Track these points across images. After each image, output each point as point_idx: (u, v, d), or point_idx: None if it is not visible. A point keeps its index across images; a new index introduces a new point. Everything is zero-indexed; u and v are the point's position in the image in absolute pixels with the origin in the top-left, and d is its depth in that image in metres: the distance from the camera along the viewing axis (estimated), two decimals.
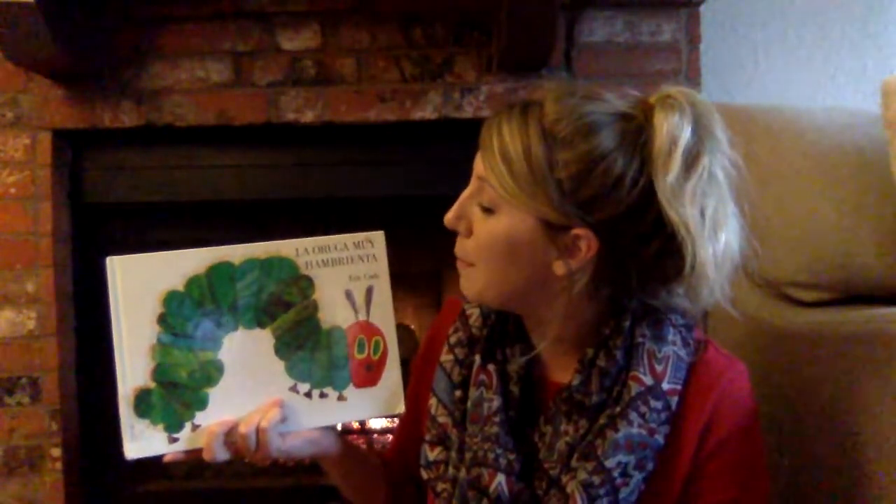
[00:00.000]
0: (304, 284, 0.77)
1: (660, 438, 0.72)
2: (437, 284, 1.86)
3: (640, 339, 0.74)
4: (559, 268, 0.72)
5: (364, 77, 1.41)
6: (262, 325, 0.76)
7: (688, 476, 0.73)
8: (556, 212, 0.69)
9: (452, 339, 0.85)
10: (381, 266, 0.79)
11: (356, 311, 0.79)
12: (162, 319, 0.73)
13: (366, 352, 0.80)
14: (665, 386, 0.72)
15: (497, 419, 0.77)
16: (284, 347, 0.77)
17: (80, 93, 1.39)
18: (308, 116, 1.41)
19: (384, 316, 0.80)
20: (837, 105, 1.53)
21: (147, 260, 0.74)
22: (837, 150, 1.14)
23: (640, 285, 0.73)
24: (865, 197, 1.09)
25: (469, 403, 0.80)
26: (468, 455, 0.77)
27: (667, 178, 0.66)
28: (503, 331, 0.83)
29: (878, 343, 0.88)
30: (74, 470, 1.45)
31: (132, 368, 0.73)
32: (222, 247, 0.75)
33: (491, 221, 0.73)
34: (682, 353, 0.74)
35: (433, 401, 0.84)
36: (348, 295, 0.79)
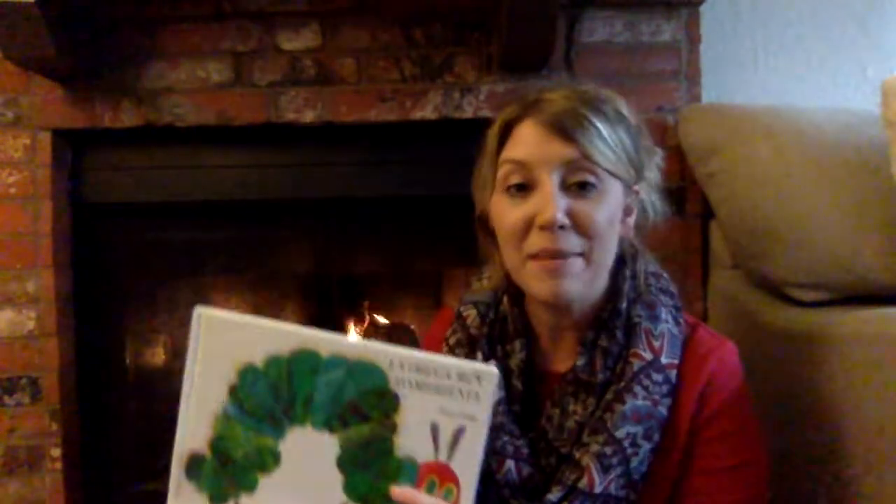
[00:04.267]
0: (389, 401, 0.68)
1: (663, 410, 0.76)
2: (437, 284, 1.86)
3: (636, 319, 0.79)
4: (627, 224, 0.81)
5: (364, 77, 1.41)
6: (332, 429, 0.69)
7: (685, 447, 0.77)
8: (635, 174, 0.79)
9: (451, 341, 0.87)
10: (483, 409, 0.67)
11: (437, 449, 0.68)
12: (233, 391, 0.68)
13: (434, 497, 0.69)
14: (664, 360, 0.78)
15: (501, 409, 0.80)
16: (348, 461, 0.69)
17: (80, 93, 1.39)
18: (308, 116, 1.41)
19: (468, 465, 0.68)
20: (837, 105, 1.53)
21: (234, 324, 0.69)
22: (837, 151, 1.14)
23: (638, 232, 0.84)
24: (865, 197, 1.09)
25: None
26: None
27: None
28: (503, 329, 0.86)
29: (878, 343, 0.88)
30: (74, 470, 1.44)
31: (193, 429, 0.69)
32: (314, 332, 0.69)
33: (594, 201, 0.75)
34: (675, 330, 0.80)
35: None
36: (434, 428, 0.68)
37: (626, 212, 0.80)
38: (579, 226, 0.75)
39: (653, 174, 0.84)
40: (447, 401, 0.67)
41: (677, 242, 1.40)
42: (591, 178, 0.75)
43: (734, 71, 1.56)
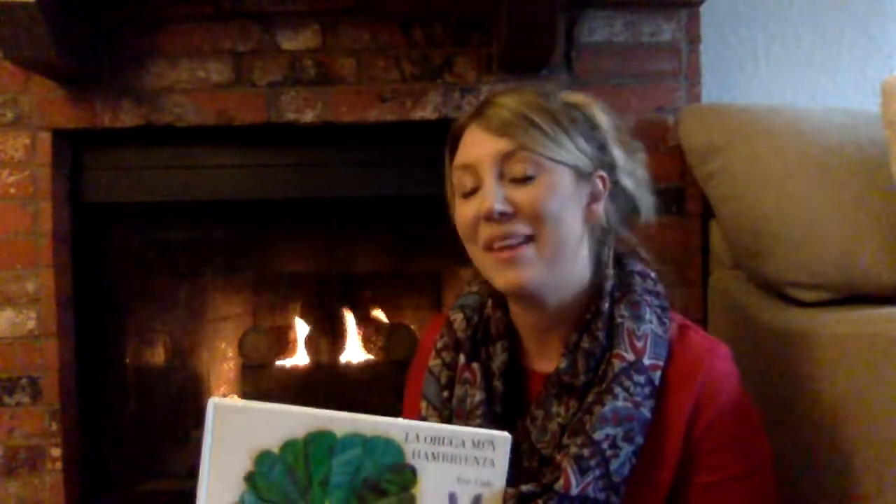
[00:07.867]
0: (407, 475, 0.69)
1: (645, 412, 0.75)
2: (437, 284, 1.86)
3: (619, 320, 0.79)
4: (594, 211, 0.81)
5: (364, 77, 1.41)
6: None
7: (682, 458, 0.76)
8: (587, 158, 0.80)
9: (439, 345, 0.89)
10: (498, 474, 0.68)
11: None
12: (250, 478, 0.68)
13: None
14: (646, 361, 0.77)
15: (479, 412, 0.81)
16: None
17: (80, 93, 1.39)
18: (308, 116, 1.41)
19: None
20: (837, 105, 1.53)
21: (248, 413, 0.69)
22: (837, 150, 1.14)
23: (619, 221, 0.85)
24: (865, 197, 1.09)
25: (454, 401, 0.84)
26: None
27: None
28: (486, 331, 0.87)
29: (878, 343, 0.88)
30: (74, 470, 1.44)
31: None
32: (328, 412, 0.69)
33: (536, 187, 0.77)
34: (660, 330, 0.79)
35: (423, 404, 0.87)
36: (452, 498, 0.69)
37: (593, 198, 0.81)
38: (523, 212, 0.76)
39: (639, 170, 0.85)
40: (463, 469, 0.68)
41: (677, 242, 1.40)
42: (530, 168, 0.77)
43: (734, 71, 1.56)
